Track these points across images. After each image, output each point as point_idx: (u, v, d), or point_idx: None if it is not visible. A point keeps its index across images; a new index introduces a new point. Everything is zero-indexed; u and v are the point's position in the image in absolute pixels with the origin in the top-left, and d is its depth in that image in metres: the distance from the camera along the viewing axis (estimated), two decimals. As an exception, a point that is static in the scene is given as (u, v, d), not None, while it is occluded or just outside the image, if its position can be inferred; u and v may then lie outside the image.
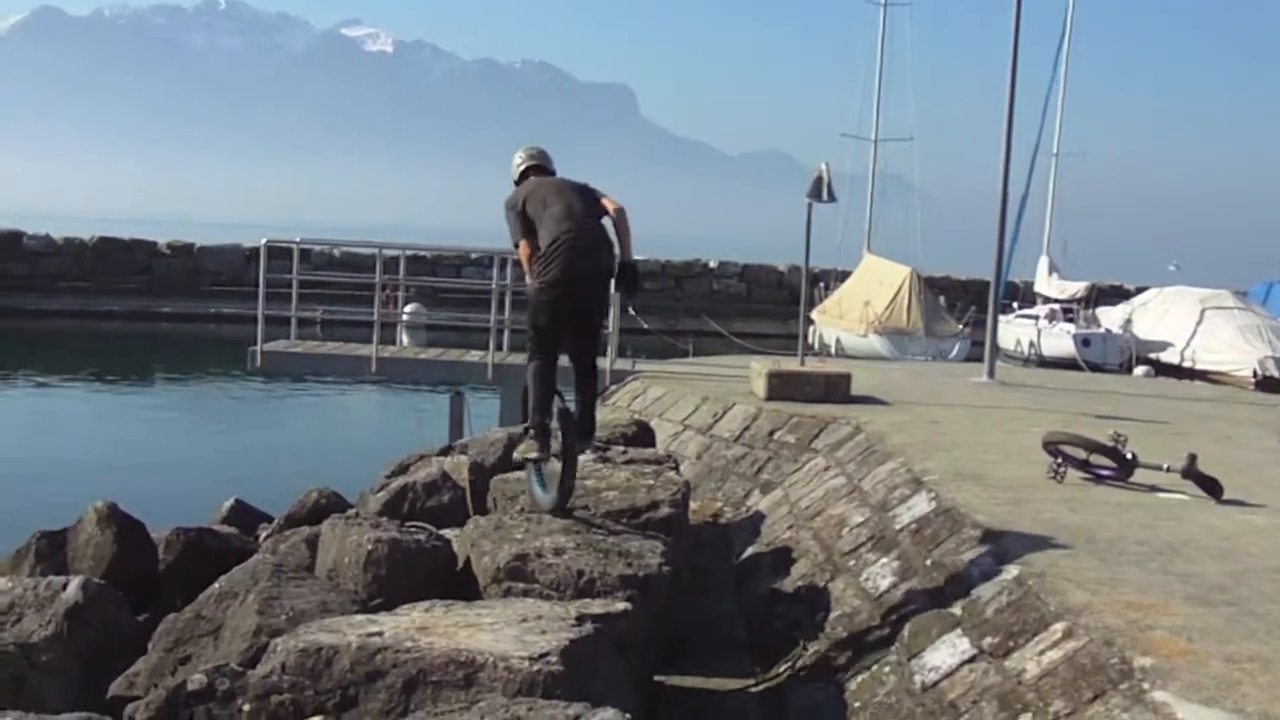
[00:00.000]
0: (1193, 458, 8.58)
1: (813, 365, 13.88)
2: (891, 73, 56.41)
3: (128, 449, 20.72)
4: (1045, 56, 42.86)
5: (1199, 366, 42.30)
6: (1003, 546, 7.12)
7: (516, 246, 7.98)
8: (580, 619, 5.67)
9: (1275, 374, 40.36)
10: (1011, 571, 6.66)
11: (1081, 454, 9.02)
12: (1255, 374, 40.42)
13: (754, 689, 7.29)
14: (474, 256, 42.68)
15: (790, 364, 13.81)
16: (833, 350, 36.92)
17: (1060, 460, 9.00)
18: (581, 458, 8.14)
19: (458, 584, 6.70)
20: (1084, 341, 42.63)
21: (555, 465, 7.81)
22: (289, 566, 6.69)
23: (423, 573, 6.65)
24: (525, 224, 7.84)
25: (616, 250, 7.95)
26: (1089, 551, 6.95)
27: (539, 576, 6.44)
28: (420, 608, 5.76)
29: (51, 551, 8.56)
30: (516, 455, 8.19)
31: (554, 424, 7.85)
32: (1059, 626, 5.78)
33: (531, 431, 7.93)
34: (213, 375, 32.14)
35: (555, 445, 7.78)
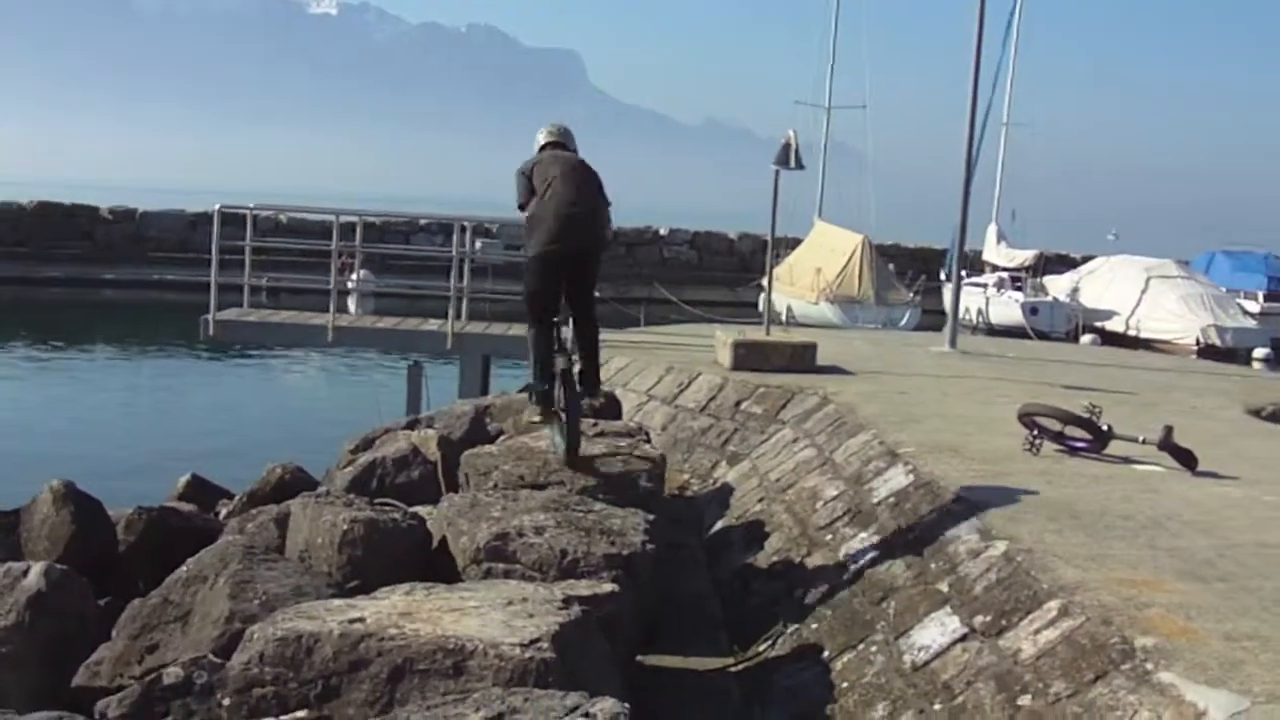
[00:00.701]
0: (1169, 429, 8.52)
1: (778, 335, 13.75)
2: (845, 40, 56.39)
3: (73, 421, 20.32)
4: (996, 27, 42.82)
5: (1144, 335, 42.72)
6: (986, 521, 7.01)
7: (521, 209, 8.36)
8: (567, 601, 5.51)
9: (1217, 342, 40.82)
10: (999, 547, 6.56)
11: (1057, 426, 8.94)
12: (1198, 342, 40.85)
13: (735, 669, 7.16)
14: (422, 223, 42.30)
15: (755, 333, 13.67)
16: (783, 318, 36.90)
17: (1036, 432, 8.92)
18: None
19: (434, 564, 6.51)
20: (1032, 310, 42.88)
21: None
22: (259, 548, 6.46)
23: (399, 553, 6.45)
24: (529, 190, 8.26)
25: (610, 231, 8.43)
26: (1074, 526, 6.86)
27: (520, 557, 6.27)
28: (400, 591, 5.57)
29: (3, 534, 8.26)
30: (523, 420, 8.70)
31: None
32: (1053, 605, 5.67)
33: (533, 396, 8.38)
34: (160, 344, 31.62)
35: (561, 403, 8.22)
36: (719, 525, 10.04)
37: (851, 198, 49.85)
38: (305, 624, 5.04)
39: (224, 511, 9.41)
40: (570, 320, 8.56)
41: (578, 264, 8.26)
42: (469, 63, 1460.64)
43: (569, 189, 8.11)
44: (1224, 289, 44.56)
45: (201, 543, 7.12)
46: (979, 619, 6.02)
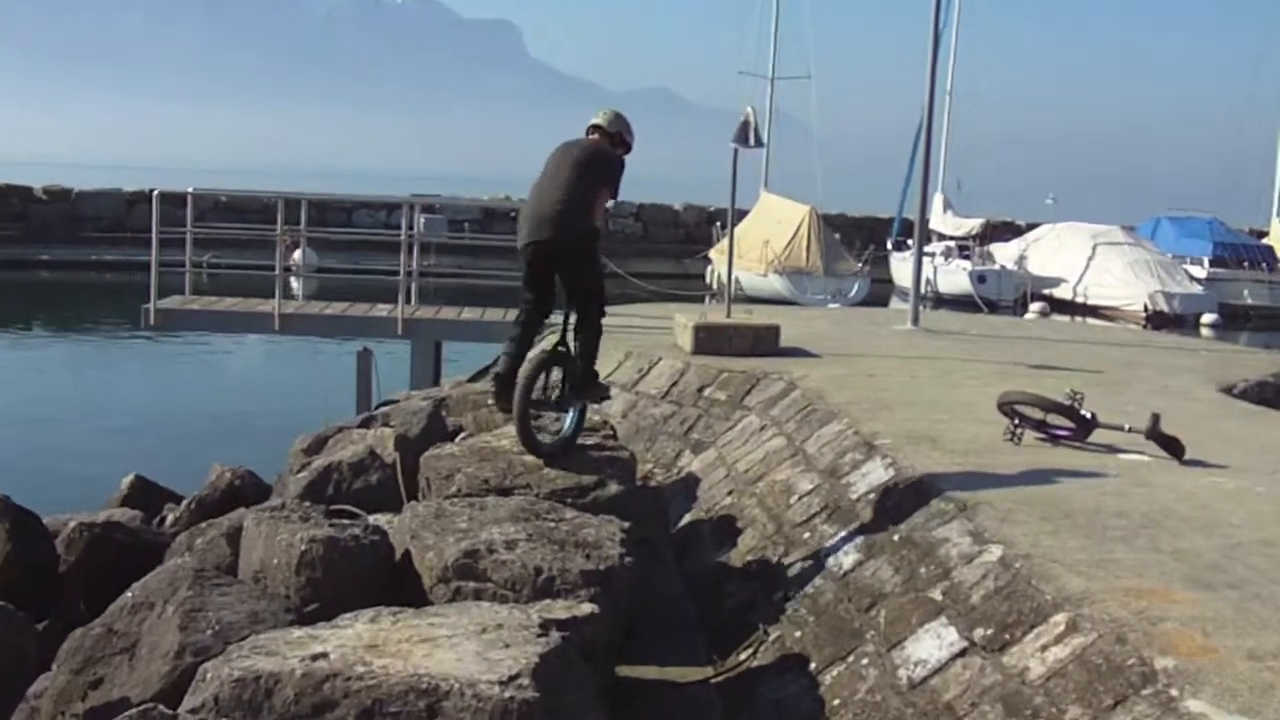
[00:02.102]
0: (1156, 418, 8.25)
1: (739, 317, 13.38)
2: (789, 10, 56.11)
3: (6, 411, 19.62)
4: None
5: (1091, 302, 42.88)
6: (977, 521, 6.69)
7: None
8: (545, 626, 5.13)
9: (1165, 308, 41.00)
10: (994, 551, 6.24)
11: (1038, 414, 8.64)
12: (1145, 309, 41.02)
13: (716, 680, 6.81)
14: (365, 199, 41.63)
15: (716, 316, 13.31)
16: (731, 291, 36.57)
17: (1017, 421, 8.61)
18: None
19: (399, 582, 6.10)
20: (980, 278, 42.90)
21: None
22: (210, 569, 6.02)
23: (361, 573, 6.03)
24: None
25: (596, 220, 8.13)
26: (1069, 527, 6.55)
27: (492, 575, 5.87)
28: (365, 617, 5.17)
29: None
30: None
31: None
32: (1060, 619, 5.36)
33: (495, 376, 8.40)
34: (98, 327, 30.83)
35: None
36: (687, 519, 9.69)
37: (797, 168, 49.66)
38: (264, 662, 4.63)
39: (170, 518, 8.94)
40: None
41: (552, 257, 8.01)
42: (406, 36, 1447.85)
43: (548, 180, 8.03)
44: (1170, 255, 44.77)
45: (148, 560, 6.70)
46: (979, 632, 5.69)
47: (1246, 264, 44.61)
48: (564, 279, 8.16)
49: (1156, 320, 40.22)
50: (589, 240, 8.08)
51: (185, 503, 9.02)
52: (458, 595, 5.84)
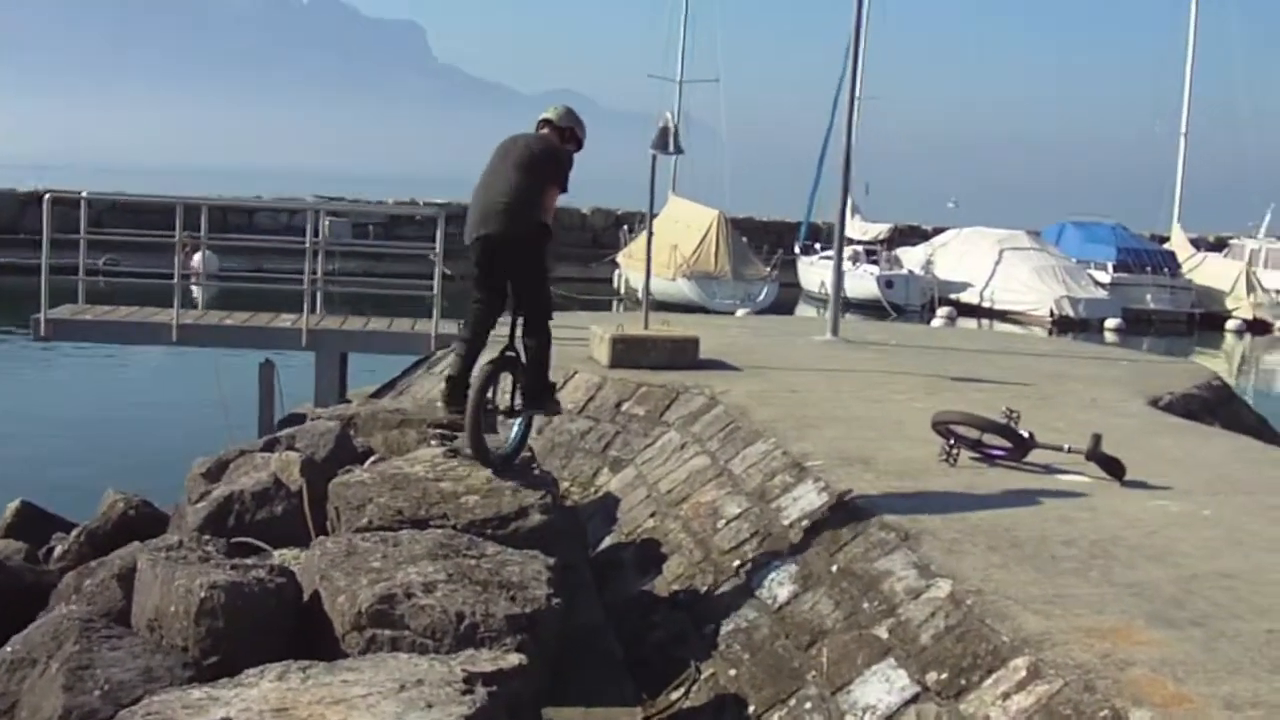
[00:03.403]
0: (1098, 438, 7.99)
1: (657, 328, 13.00)
2: (698, 13, 55.99)
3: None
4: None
5: (998, 306, 43.19)
6: (921, 552, 6.36)
7: None
8: (469, 681, 4.71)
9: (1070, 313, 41.36)
10: (942, 586, 5.91)
11: (974, 433, 8.34)
12: (1052, 314, 41.36)
13: (649, 723, 6.42)
14: (267, 202, 40.69)
15: (633, 327, 12.91)
16: (640, 295, 36.26)
17: (953, 441, 8.31)
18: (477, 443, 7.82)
19: (308, 629, 5.62)
20: (887, 283, 43.00)
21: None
22: (100, 617, 5.50)
23: (266, 621, 5.53)
24: None
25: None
26: (1018, 557, 6.24)
27: (410, 622, 5.40)
28: (272, 674, 4.70)
29: None
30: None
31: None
32: (1020, 663, 5.04)
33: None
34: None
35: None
36: (608, 541, 9.29)
37: (705, 172, 49.47)
38: (158, 732, 4.16)
39: (59, 549, 8.33)
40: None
41: (499, 253, 7.68)
42: (310, 35, 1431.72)
43: (493, 175, 7.81)
44: (1074, 260, 45.20)
45: (32, 602, 6.15)
46: (932, 676, 5.36)
47: (1149, 269, 45.19)
48: (511, 279, 7.81)
49: (1062, 325, 40.56)
50: (539, 237, 7.79)
51: (75, 533, 8.40)
52: (372, 644, 5.38)
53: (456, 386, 7.86)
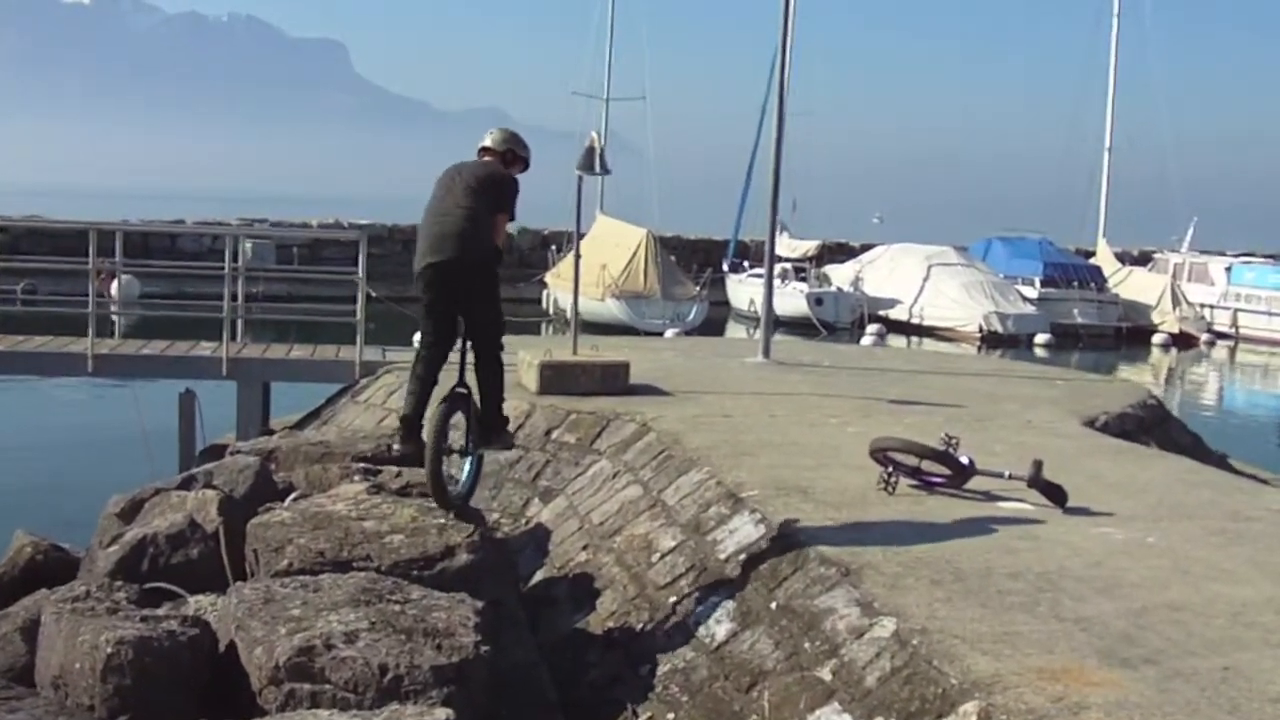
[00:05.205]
0: (1039, 465, 7.84)
1: (586, 353, 12.74)
2: (623, 31, 55.96)
3: None
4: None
5: (927, 323, 43.36)
6: (863, 589, 6.15)
7: None
8: (393, 742, 4.42)
9: (999, 329, 41.60)
10: (886, 625, 5.70)
11: (913, 461, 8.16)
12: (980, 329, 41.56)
13: (585, 771, 6.16)
14: (188, 226, 40.12)
15: (562, 351, 12.64)
16: (569, 316, 36.00)
17: (891, 469, 8.12)
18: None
19: (222, 683, 5.31)
20: (817, 300, 43.05)
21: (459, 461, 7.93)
22: (1, 674, 5.16)
23: (179, 676, 5.21)
24: None
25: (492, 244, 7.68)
26: (963, 592, 6.05)
27: (331, 675, 5.11)
28: (180, 740, 4.40)
29: None
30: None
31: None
32: (970, 709, 4.84)
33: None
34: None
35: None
36: (539, 576, 9.01)
37: (632, 190, 49.38)
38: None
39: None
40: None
41: (451, 281, 7.47)
42: (232, 53, 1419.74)
43: (440, 203, 7.58)
44: (1002, 275, 45.49)
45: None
46: (879, 722, 5.14)
47: (1076, 284, 45.59)
48: (462, 309, 7.62)
49: (991, 341, 40.77)
50: (490, 264, 7.65)
51: (-22, 580, 8.02)
52: (291, 699, 5.08)
53: (411, 427, 7.61)
